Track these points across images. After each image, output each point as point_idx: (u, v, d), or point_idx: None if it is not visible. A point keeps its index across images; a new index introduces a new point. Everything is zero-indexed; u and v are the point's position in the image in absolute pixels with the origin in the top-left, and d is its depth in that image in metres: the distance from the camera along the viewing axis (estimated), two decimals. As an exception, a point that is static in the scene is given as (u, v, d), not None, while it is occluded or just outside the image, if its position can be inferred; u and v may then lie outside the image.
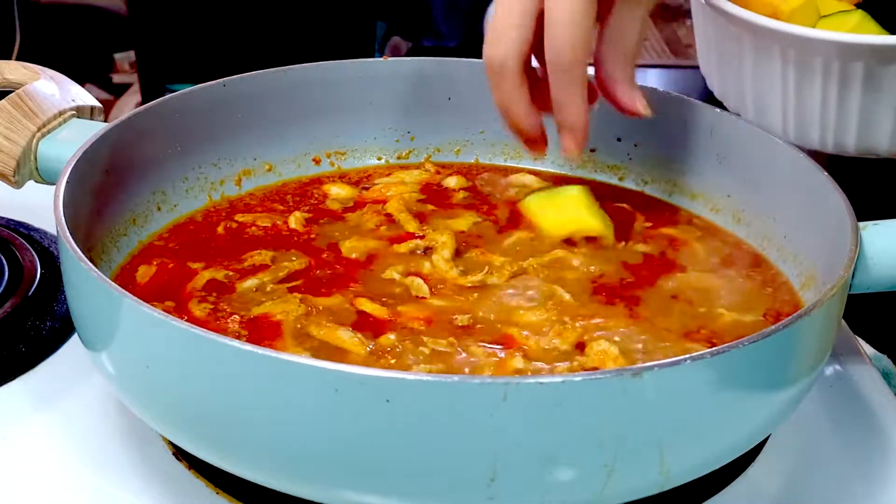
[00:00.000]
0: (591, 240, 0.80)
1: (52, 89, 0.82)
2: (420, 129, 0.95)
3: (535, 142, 0.78)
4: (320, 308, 0.71)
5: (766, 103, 0.82)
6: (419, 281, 0.74)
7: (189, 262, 0.78)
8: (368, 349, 0.66)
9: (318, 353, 0.67)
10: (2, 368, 0.75)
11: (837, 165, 0.83)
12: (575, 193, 0.83)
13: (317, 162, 0.94)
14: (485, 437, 0.53)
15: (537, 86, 0.76)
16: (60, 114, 0.81)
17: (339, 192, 0.89)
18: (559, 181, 0.93)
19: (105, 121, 0.84)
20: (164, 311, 0.59)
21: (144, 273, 0.76)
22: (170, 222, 0.84)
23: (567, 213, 0.81)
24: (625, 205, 0.87)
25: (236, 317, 0.70)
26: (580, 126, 0.74)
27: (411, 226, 0.82)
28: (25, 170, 0.79)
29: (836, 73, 0.77)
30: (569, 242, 0.79)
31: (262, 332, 0.68)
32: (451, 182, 0.90)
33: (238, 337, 0.68)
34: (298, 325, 0.69)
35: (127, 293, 0.58)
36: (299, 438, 0.55)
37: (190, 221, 0.85)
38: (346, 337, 0.67)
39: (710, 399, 0.56)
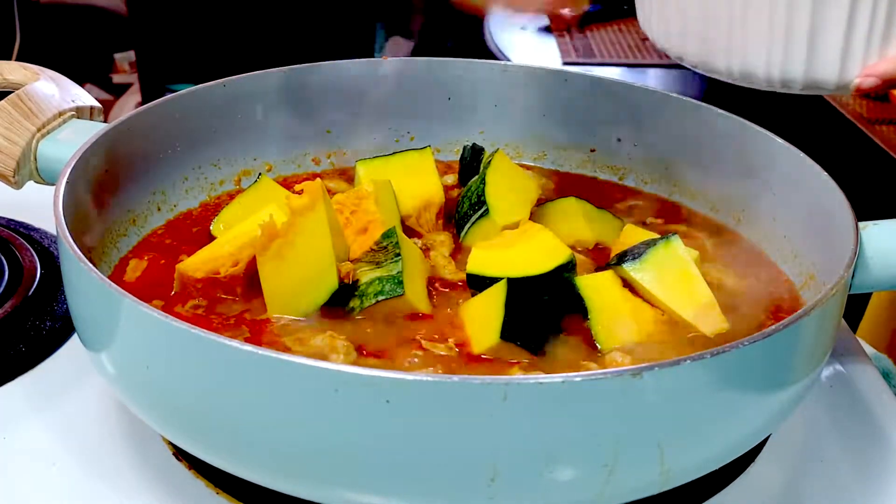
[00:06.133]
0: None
1: (52, 90, 0.82)
2: (420, 129, 0.96)
3: None
4: None
5: (710, 36, 0.79)
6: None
7: (181, 256, 0.79)
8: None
9: None
10: (2, 368, 0.75)
11: (838, 165, 0.83)
12: (570, 205, 0.82)
13: (316, 162, 0.94)
14: (485, 437, 0.53)
15: None
16: (60, 114, 0.81)
17: (337, 188, 0.89)
18: (561, 180, 0.93)
19: (105, 121, 0.84)
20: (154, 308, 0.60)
21: (135, 267, 0.77)
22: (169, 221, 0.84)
23: (564, 226, 0.81)
24: (623, 205, 0.88)
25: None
26: None
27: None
28: (25, 170, 0.79)
29: None
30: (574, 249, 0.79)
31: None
32: (449, 181, 0.90)
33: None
34: None
35: (127, 294, 0.58)
36: (299, 438, 0.55)
37: (186, 216, 0.85)
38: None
39: (710, 399, 0.56)
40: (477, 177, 0.81)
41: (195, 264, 0.73)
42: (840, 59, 0.74)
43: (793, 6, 0.73)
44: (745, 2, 0.73)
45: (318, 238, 0.68)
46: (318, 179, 0.70)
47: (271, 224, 0.67)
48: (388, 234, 0.73)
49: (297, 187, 0.72)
